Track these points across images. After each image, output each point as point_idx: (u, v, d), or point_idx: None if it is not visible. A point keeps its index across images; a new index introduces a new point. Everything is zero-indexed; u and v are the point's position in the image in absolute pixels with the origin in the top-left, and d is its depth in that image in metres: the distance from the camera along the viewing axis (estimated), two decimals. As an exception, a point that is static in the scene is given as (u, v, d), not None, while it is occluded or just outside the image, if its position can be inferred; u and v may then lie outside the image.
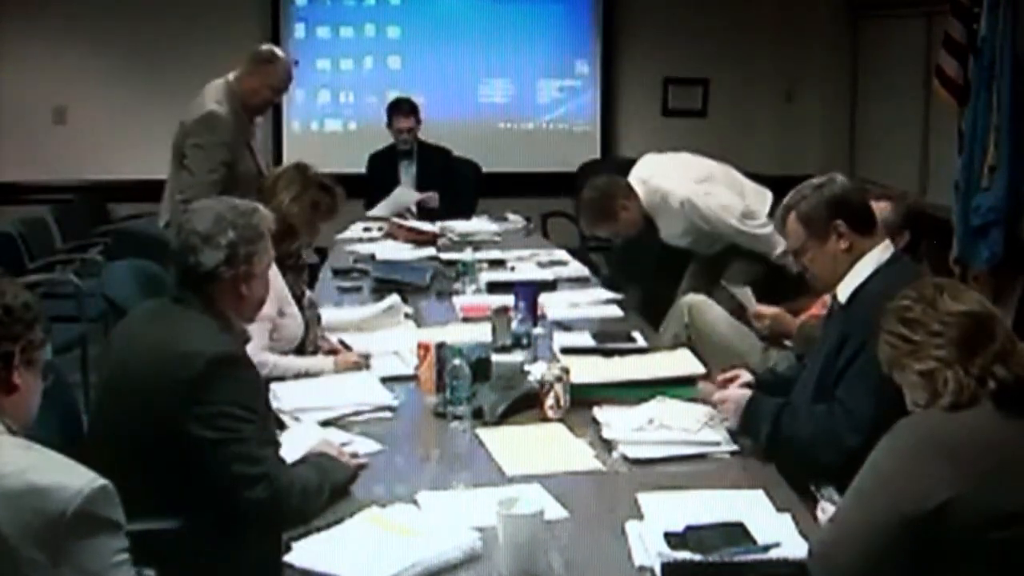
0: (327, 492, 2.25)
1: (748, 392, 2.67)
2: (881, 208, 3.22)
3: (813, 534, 2.02)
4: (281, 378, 3.08)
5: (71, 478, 1.60)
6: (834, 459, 2.39)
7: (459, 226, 5.67)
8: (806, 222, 2.66)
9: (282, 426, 2.70)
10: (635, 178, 4.44)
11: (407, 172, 6.27)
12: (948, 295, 1.97)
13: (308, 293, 3.60)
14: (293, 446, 2.46)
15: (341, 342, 3.45)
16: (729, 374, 2.89)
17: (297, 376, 3.13)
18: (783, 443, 2.52)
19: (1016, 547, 1.79)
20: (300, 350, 3.33)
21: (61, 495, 1.57)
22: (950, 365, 1.90)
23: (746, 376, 2.90)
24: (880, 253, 2.64)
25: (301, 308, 3.39)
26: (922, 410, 1.96)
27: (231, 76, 4.72)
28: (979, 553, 1.79)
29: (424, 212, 6.03)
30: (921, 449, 1.85)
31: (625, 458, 2.51)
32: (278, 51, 4.85)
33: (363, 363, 3.23)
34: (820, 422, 2.51)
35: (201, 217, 2.41)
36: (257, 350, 2.89)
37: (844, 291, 2.65)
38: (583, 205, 4.48)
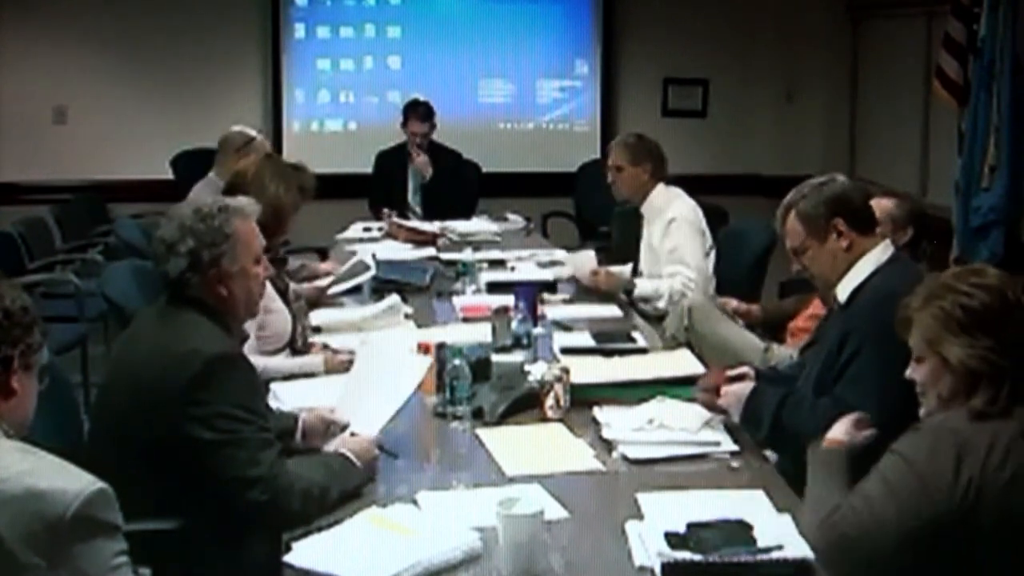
0: (335, 495, 2.24)
1: (750, 384, 2.66)
2: (884, 205, 3.23)
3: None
4: (272, 379, 3.08)
5: (69, 481, 1.60)
6: None
7: (459, 226, 5.66)
8: (805, 220, 2.66)
9: None
10: (668, 188, 4.52)
11: (416, 173, 6.26)
12: (1018, 304, 1.91)
13: (292, 286, 3.61)
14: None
15: (325, 346, 3.43)
16: (733, 372, 2.90)
17: (287, 378, 3.13)
18: (785, 434, 2.53)
19: None
20: (291, 344, 3.34)
21: (59, 499, 1.56)
22: (1001, 373, 1.86)
23: (743, 370, 2.90)
24: (880, 252, 2.64)
25: (287, 302, 3.38)
26: (950, 411, 1.93)
27: None
28: (1014, 549, 1.78)
29: (426, 212, 6.04)
30: (947, 446, 1.83)
31: (625, 458, 2.51)
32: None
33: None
34: (823, 416, 2.51)
35: (168, 225, 2.42)
36: (248, 352, 2.88)
37: (844, 291, 2.65)
38: (633, 133, 4.69)
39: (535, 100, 7.52)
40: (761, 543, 2.00)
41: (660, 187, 4.46)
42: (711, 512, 2.12)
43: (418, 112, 6.20)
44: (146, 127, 7.05)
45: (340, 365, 3.17)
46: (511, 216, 6.06)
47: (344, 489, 2.27)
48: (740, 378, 2.82)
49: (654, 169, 4.46)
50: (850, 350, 2.51)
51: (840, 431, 2.19)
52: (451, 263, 4.67)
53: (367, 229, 5.75)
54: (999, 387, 1.86)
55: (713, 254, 4.47)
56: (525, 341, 3.34)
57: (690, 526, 2.04)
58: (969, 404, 1.87)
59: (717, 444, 2.58)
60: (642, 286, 4.31)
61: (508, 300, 3.57)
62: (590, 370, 3.01)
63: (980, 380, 1.88)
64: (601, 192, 4.75)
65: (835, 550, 1.91)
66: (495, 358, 3.11)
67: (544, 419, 2.78)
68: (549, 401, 2.79)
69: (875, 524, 1.86)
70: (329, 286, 4.20)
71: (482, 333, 3.39)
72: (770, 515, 2.16)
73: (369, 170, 6.39)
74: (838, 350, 2.56)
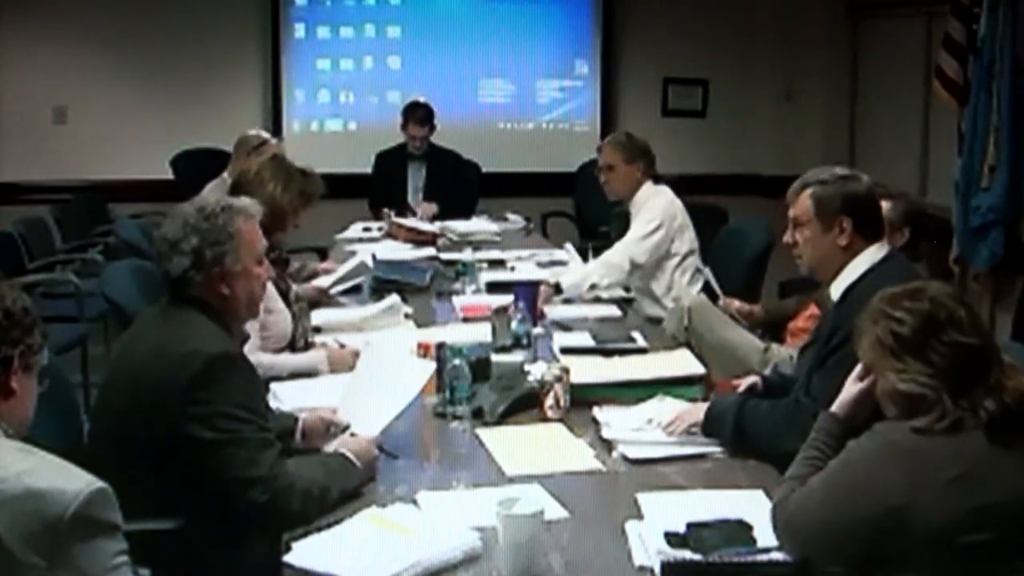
0: (335, 495, 2.24)
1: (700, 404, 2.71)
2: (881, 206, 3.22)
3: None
4: (278, 377, 3.08)
5: (69, 481, 1.59)
6: (799, 446, 2.38)
7: (459, 226, 5.67)
8: (818, 204, 2.63)
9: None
10: (656, 185, 4.54)
11: (416, 174, 6.26)
12: (951, 324, 1.92)
13: (294, 287, 3.61)
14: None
15: (336, 341, 3.44)
16: (740, 383, 2.91)
17: (293, 375, 3.13)
18: (748, 434, 2.54)
19: (986, 549, 1.80)
20: (292, 345, 3.34)
21: (59, 498, 1.56)
22: (938, 394, 1.89)
23: (751, 379, 2.92)
24: (874, 252, 2.63)
25: (288, 303, 3.39)
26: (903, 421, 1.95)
27: None
28: (948, 556, 1.81)
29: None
30: (883, 453, 1.87)
31: (625, 458, 2.51)
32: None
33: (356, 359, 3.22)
34: (785, 411, 2.53)
35: (171, 223, 2.42)
36: (252, 350, 2.89)
37: (837, 289, 2.65)
38: (623, 131, 4.75)
39: (535, 100, 7.52)
40: (761, 543, 2.00)
41: (648, 184, 4.50)
42: (711, 512, 2.12)
43: (417, 116, 6.19)
44: (146, 127, 7.05)
45: (345, 361, 3.17)
46: (511, 216, 6.06)
47: (344, 489, 2.27)
48: (751, 389, 2.85)
49: (646, 167, 4.50)
50: (834, 344, 2.51)
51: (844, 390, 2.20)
52: (451, 263, 4.67)
53: (367, 229, 5.76)
54: (940, 407, 1.88)
55: (697, 253, 4.51)
56: (525, 341, 3.33)
57: (690, 526, 2.04)
58: (912, 423, 1.89)
59: (717, 444, 2.58)
60: (569, 277, 4.26)
61: (508, 300, 3.57)
62: (590, 370, 3.01)
63: (918, 402, 1.91)
64: (601, 192, 4.76)
65: (784, 530, 1.97)
66: (495, 358, 3.11)
67: (544, 419, 2.78)
68: (549, 401, 2.79)
69: (813, 517, 1.91)
70: (330, 287, 4.20)
71: (482, 333, 3.39)
72: (770, 515, 2.16)
73: (369, 170, 6.39)
74: (826, 346, 2.57)
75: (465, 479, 2.39)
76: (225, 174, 4.83)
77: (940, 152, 5.86)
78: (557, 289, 4.15)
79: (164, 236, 2.40)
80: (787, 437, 2.39)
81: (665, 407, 2.75)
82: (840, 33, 7.19)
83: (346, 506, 2.22)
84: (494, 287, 4.22)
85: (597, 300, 4.22)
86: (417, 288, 4.29)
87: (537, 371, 2.96)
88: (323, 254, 5.47)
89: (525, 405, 2.83)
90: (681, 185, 4.63)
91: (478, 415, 2.76)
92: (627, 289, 4.40)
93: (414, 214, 5.96)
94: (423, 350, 3.08)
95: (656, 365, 3.08)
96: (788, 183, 2.79)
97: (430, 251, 5.15)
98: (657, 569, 1.93)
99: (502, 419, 2.77)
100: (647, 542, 2.02)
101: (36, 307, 1.78)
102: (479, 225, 5.81)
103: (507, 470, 2.44)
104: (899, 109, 6.50)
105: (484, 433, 2.68)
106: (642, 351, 3.38)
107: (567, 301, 4.17)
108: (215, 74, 7.15)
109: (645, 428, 2.64)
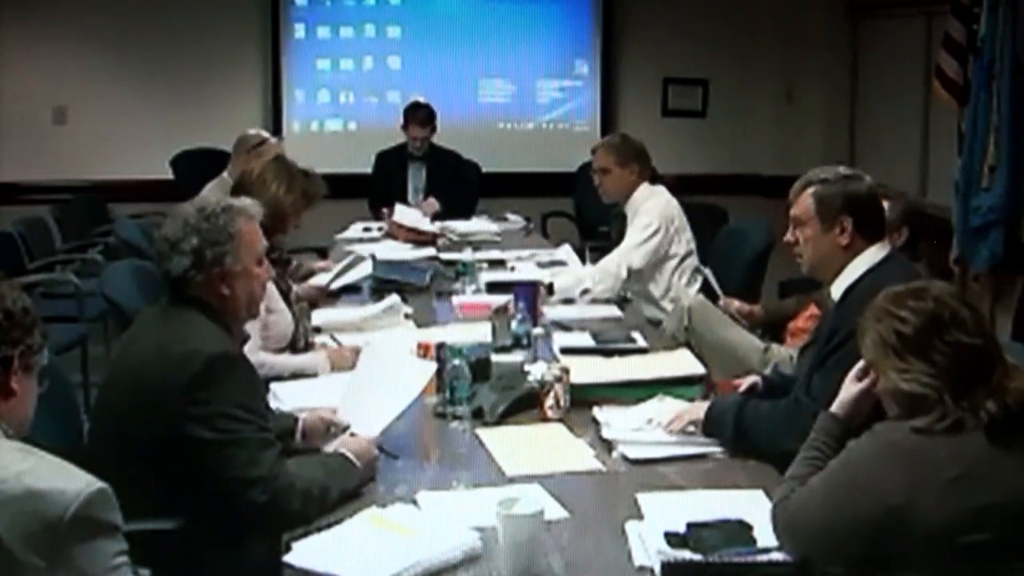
0: (335, 495, 2.24)
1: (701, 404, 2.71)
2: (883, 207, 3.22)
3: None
4: (279, 377, 3.08)
5: (69, 482, 1.59)
6: (799, 446, 2.37)
7: (459, 226, 5.67)
8: (819, 203, 2.63)
9: None
10: (652, 186, 4.54)
11: (416, 175, 6.26)
12: (954, 323, 1.93)
13: (295, 288, 3.61)
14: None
15: (332, 337, 3.45)
16: (740, 383, 2.91)
17: (294, 375, 3.13)
18: (748, 434, 2.54)
19: (986, 549, 1.81)
20: (293, 345, 3.34)
21: (59, 499, 1.56)
22: (939, 393, 1.89)
23: (751, 379, 2.92)
24: (874, 252, 2.63)
25: (288, 303, 3.39)
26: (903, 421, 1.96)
27: None
28: (948, 556, 1.81)
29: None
30: (883, 452, 1.88)
31: (625, 458, 2.51)
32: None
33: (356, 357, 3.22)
34: (785, 411, 2.53)
35: (171, 223, 2.42)
36: (253, 350, 2.89)
37: (837, 289, 2.65)
38: (617, 133, 4.81)
39: (535, 100, 7.52)
40: (761, 543, 2.01)
41: (644, 186, 4.50)
42: (711, 512, 2.13)
43: (418, 116, 6.19)
44: (146, 127, 7.05)
45: (345, 359, 3.17)
46: (511, 216, 6.06)
47: (344, 489, 2.27)
48: (751, 389, 2.85)
49: (641, 169, 4.50)
50: (834, 343, 2.51)
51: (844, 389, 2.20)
52: (451, 263, 4.67)
53: (367, 229, 5.76)
54: (941, 407, 1.88)
55: (695, 254, 4.51)
56: (525, 341, 3.34)
57: (690, 526, 2.04)
58: (911, 423, 1.89)
59: (717, 444, 2.58)
60: (563, 279, 4.27)
61: (508, 300, 3.56)
62: (590, 370, 3.01)
63: (919, 401, 1.91)
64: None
65: (784, 530, 1.98)
66: (495, 358, 3.11)
67: (544, 419, 2.78)
68: (549, 401, 2.79)
69: (813, 517, 1.92)
70: (328, 284, 4.20)
71: (482, 333, 3.39)
72: (770, 515, 2.16)
73: (369, 170, 6.39)
74: (826, 346, 2.57)
75: (465, 479, 2.39)
76: (225, 174, 4.84)
77: (940, 152, 5.86)
78: (549, 290, 4.15)
79: (164, 236, 2.40)
80: (787, 437, 2.39)
81: (665, 407, 2.75)
82: (840, 33, 7.19)
83: (346, 506, 2.22)
84: (494, 287, 4.21)
85: (594, 300, 4.22)
86: (417, 288, 4.29)
87: (537, 371, 2.96)
88: (323, 254, 5.47)
89: (525, 405, 2.83)
90: (681, 185, 4.63)
91: (478, 415, 2.76)
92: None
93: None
94: (423, 350, 3.08)
95: (656, 365, 3.08)
96: (788, 183, 2.79)
97: (430, 251, 5.15)
98: (657, 569, 1.93)
99: (502, 419, 2.77)
100: (647, 542, 2.02)
101: (36, 307, 1.78)
102: (479, 225, 5.81)
103: (507, 470, 2.44)
104: (899, 109, 6.50)
105: (484, 433, 2.68)
106: (642, 351, 3.38)
107: (567, 301, 4.17)
108: (215, 74, 7.15)
109: (645, 428, 2.64)
